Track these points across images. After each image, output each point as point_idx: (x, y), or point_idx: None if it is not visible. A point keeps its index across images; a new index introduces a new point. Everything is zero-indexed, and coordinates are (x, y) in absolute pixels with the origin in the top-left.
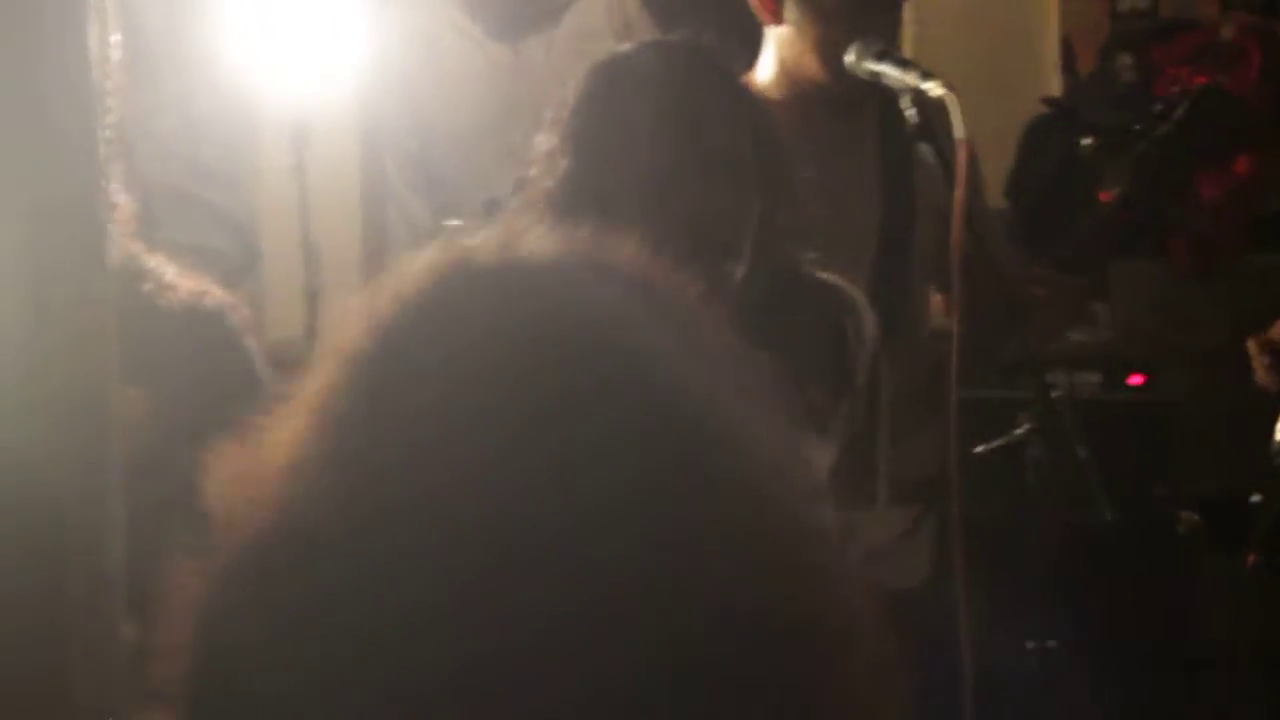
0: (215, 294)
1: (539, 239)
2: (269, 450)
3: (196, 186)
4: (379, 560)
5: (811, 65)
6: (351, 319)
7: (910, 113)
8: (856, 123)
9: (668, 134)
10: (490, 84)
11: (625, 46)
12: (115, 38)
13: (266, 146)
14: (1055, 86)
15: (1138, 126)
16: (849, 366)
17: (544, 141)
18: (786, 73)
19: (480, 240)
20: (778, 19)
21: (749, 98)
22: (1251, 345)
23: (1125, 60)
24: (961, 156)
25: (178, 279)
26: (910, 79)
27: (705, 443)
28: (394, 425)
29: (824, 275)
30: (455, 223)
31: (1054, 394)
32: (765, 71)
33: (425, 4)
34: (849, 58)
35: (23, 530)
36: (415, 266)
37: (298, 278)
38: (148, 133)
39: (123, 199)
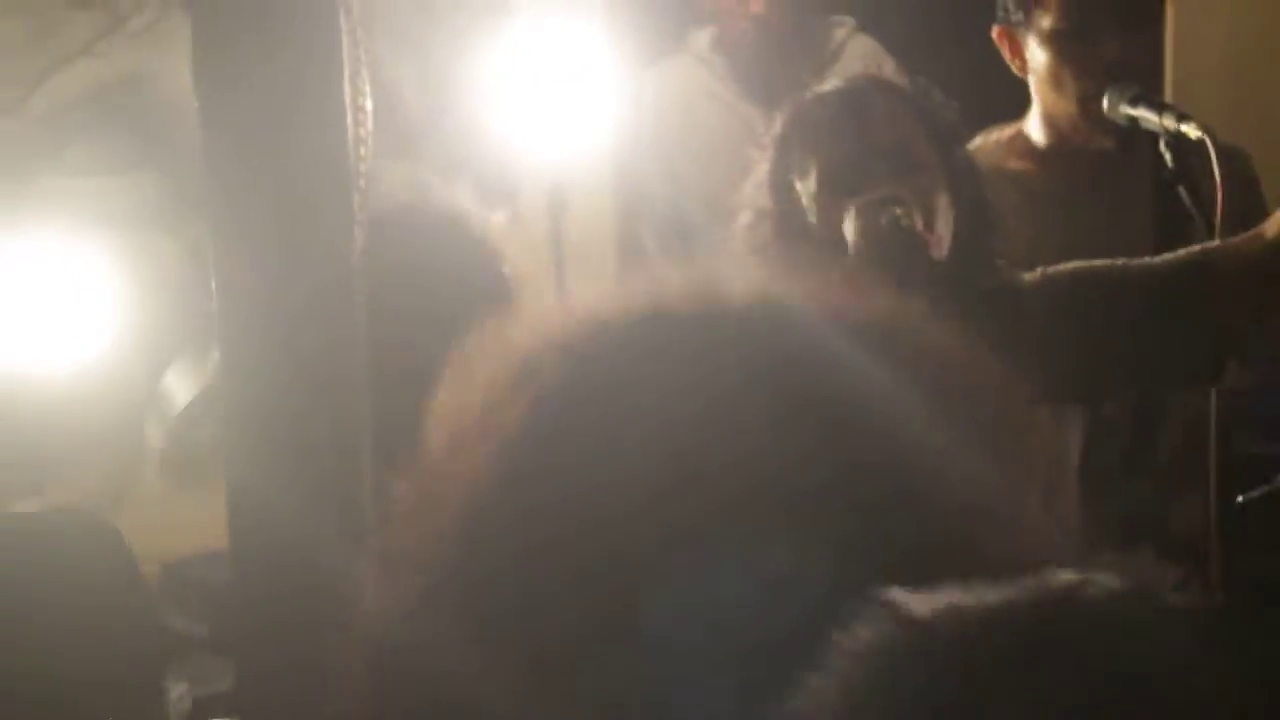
0: None
1: (740, 279)
2: (449, 474)
3: None
4: (538, 587)
5: (1060, 104)
6: (542, 340)
7: (1167, 156)
8: (1127, 172)
9: (857, 167)
10: (745, 148)
11: (817, 88)
12: (369, 104)
13: (523, 214)
14: None
15: None
16: None
17: (749, 184)
18: (1048, 122)
19: (681, 280)
20: (1024, 68)
21: (938, 129)
22: None
23: None
24: (1220, 201)
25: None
26: (1167, 121)
27: (910, 495)
28: (570, 458)
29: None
30: None
31: None
32: (1033, 125)
33: (681, 69)
34: (1104, 103)
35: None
36: (613, 301)
37: None
38: None
39: None
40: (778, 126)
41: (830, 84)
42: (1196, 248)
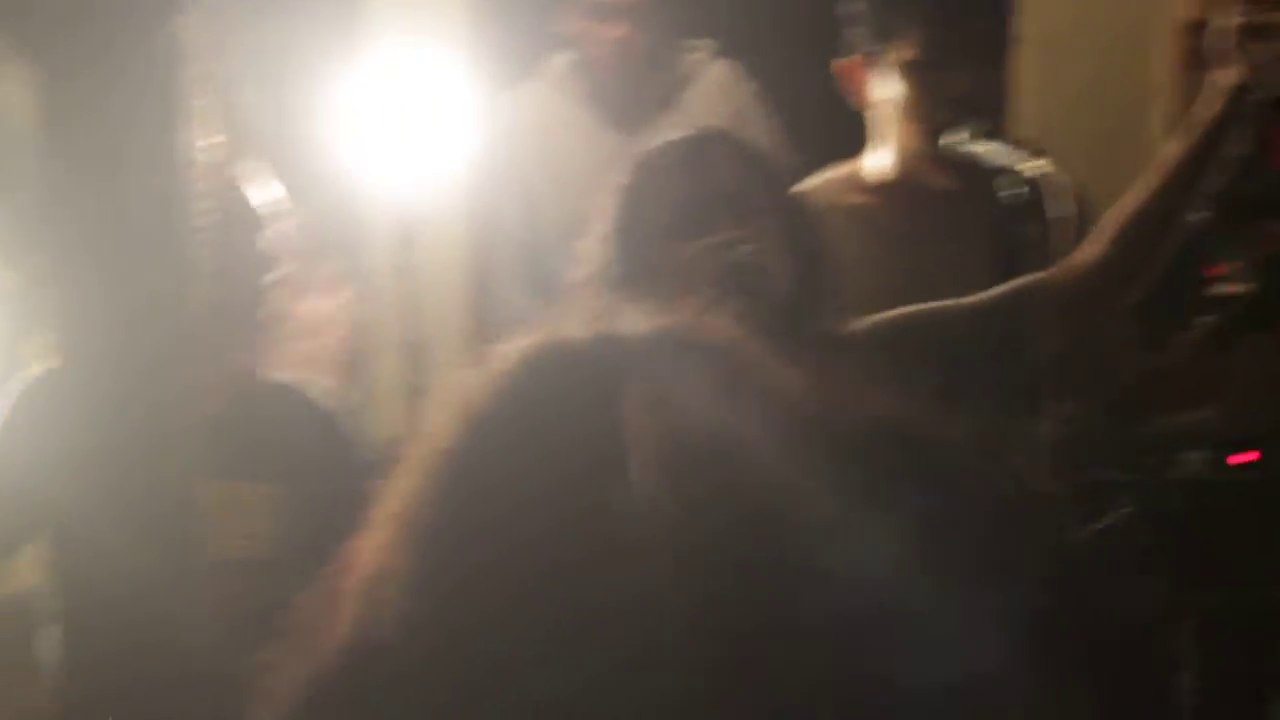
0: (340, 392)
1: (629, 317)
2: (360, 559)
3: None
4: (450, 683)
5: (915, 145)
6: (442, 410)
7: (1014, 191)
8: (969, 207)
9: (700, 212)
10: (602, 175)
11: (661, 139)
12: (218, 139)
13: (375, 246)
14: None
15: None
16: None
17: (591, 237)
18: (892, 156)
19: (569, 322)
20: (866, 99)
21: (775, 178)
22: None
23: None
24: (1067, 235)
25: (307, 377)
26: (1013, 158)
27: (791, 530)
28: (478, 537)
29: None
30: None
31: (1159, 473)
32: (869, 157)
33: (538, 95)
34: (953, 137)
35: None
36: (505, 353)
37: (404, 376)
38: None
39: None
40: (623, 177)
41: (673, 133)
42: (1014, 283)
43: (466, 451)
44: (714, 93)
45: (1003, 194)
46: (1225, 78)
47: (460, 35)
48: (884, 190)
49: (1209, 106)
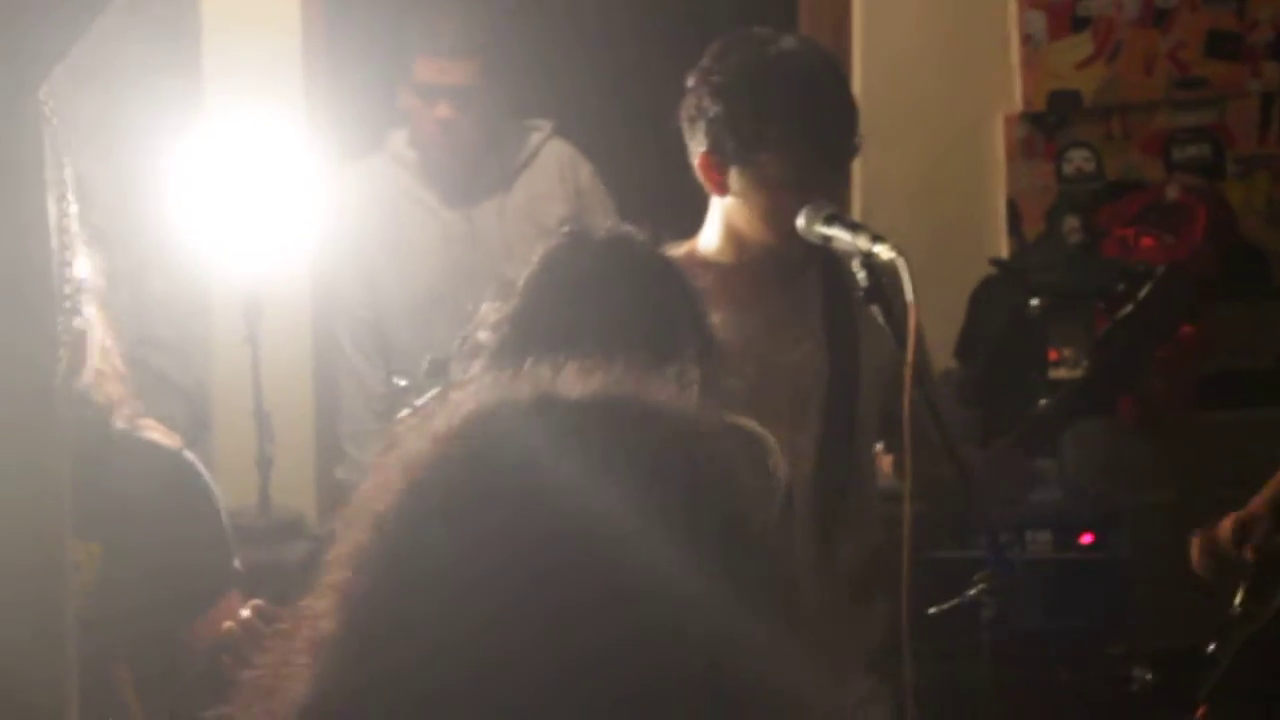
0: (180, 445)
1: (572, 380)
2: (301, 623)
3: (148, 356)
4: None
5: (761, 232)
6: (385, 467)
7: (861, 275)
8: (802, 285)
9: (605, 333)
10: (445, 251)
11: (569, 239)
12: (73, 208)
13: (219, 317)
14: (1003, 248)
15: (1101, 305)
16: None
17: (491, 321)
18: (734, 239)
19: (508, 384)
20: (723, 190)
21: (681, 283)
22: (1195, 543)
23: (1072, 222)
24: (912, 319)
25: (148, 430)
26: (861, 242)
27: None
28: (418, 606)
29: (733, 421)
30: (402, 382)
31: (1006, 553)
32: (711, 237)
33: (381, 173)
34: (800, 222)
35: None
36: (449, 410)
37: (250, 447)
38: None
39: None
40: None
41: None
42: None
43: (411, 518)
44: (552, 172)
45: (845, 275)
46: None
47: (302, 106)
48: (722, 271)
49: None
